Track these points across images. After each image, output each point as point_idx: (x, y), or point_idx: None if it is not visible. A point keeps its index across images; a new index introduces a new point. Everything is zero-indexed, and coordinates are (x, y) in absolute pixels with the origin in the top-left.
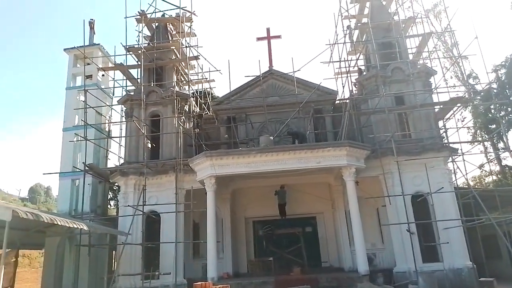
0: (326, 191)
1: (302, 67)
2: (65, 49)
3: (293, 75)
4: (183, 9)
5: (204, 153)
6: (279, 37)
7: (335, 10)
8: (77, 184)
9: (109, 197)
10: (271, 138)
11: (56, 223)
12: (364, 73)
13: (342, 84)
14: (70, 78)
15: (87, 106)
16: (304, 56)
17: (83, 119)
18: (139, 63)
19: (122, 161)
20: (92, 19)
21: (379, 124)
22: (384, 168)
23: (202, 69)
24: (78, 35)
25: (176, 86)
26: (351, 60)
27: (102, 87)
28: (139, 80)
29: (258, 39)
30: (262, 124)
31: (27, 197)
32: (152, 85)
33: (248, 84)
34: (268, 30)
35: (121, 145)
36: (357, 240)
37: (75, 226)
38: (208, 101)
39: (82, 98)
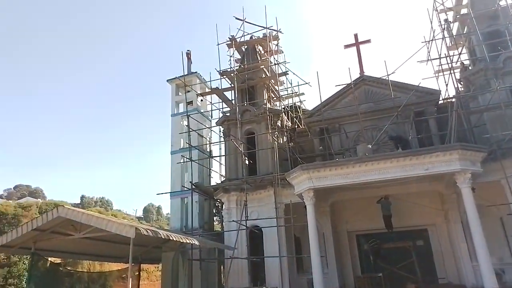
0: (437, 200)
1: (397, 69)
2: (167, 80)
3: (387, 78)
4: (270, 29)
5: (300, 166)
6: (368, 41)
7: (428, 5)
8: (186, 202)
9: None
10: (369, 146)
11: (171, 238)
12: (470, 67)
13: (445, 82)
14: (174, 105)
15: (190, 130)
16: (396, 58)
17: (187, 142)
18: (232, 85)
19: (223, 178)
20: (189, 50)
21: (495, 122)
22: (507, 171)
23: (291, 83)
24: (177, 65)
25: (267, 103)
26: (452, 55)
27: (202, 111)
28: (233, 101)
29: (346, 46)
30: (357, 133)
31: (142, 216)
32: (245, 104)
33: (339, 93)
34: (356, 36)
35: (221, 164)
36: (480, 254)
37: (188, 242)
38: (300, 114)
39: (185, 122)
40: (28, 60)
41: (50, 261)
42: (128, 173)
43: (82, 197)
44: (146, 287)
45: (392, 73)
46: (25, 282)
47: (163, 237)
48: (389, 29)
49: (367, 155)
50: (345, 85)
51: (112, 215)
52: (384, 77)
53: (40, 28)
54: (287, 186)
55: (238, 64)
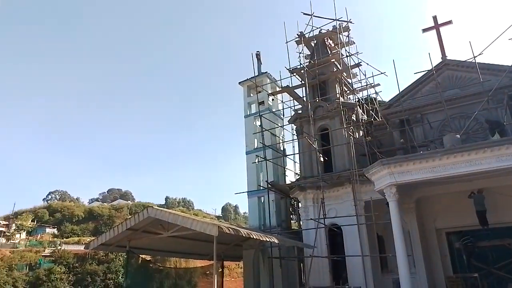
0: None
1: (485, 49)
2: (239, 82)
3: (474, 60)
4: (339, 20)
5: (380, 161)
6: (449, 23)
7: None
8: (262, 201)
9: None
10: (457, 136)
11: (251, 236)
12: None
13: None
14: (246, 107)
15: (263, 130)
16: (481, 39)
17: (261, 142)
18: (303, 82)
19: (298, 176)
20: (258, 51)
21: None
22: None
23: (365, 75)
24: (248, 67)
25: (341, 97)
26: None
27: (274, 110)
28: (305, 98)
29: (425, 30)
30: (442, 122)
31: (220, 215)
32: (317, 100)
33: (419, 81)
34: (435, 18)
35: (295, 162)
36: None
37: (267, 240)
38: (376, 106)
39: (258, 123)
40: (108, 67)
41: (142, 258)
42: (207, 174)
43: (166, 198)
44: (228, 284)
45: (480, 54)
46: (122, 277)
47: (244, 235)
48: (471, 8)
49: (456, 145)
50: (425, 72)
51: (193, 214)
52: (470, 60)
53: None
54: (366, 183)
55: (308, 60)
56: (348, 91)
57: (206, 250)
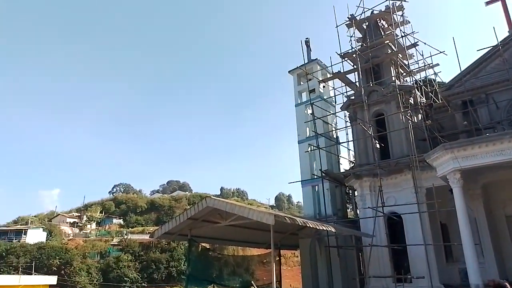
0: None
1: None
2: (289, 71)
3: None
4: (392, 0)
5: (442, 145)
6: None
7: None
8: (317, 190)
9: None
10: None
11: (308, 225)
12: None
13: None
14: (297, 95)
15: (315, 118)
16: None
17: (313, 130)
18: (355, 66)
19: (353, 164)
20: (307, 38)
21: None
22: None
23: (422, 55)
24: (297, 55)
25: (396, 80)
26: None
27: (325, 97)
28: (357, 83)
29: (488, 2)
30: (510, 102)
31: (274, 205)
32: (371, 85)
33: (482, 59)
34: None
35: (349, 149)
36: None
37: (324, 229)
38: (435, 88)
39: (310, 111)
40: (160, 60)
41: (202, 246)
42: (259, 164)
43: (222, 189)
44: (285, 272)
45: None
46: (184, 265)
47: (300, 224)
48: None
49: None
50: (490, 48)
51: (248, 204)
52: None
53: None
54: (427, 169)
55: (360, 44)
56: (404, 73)
57: (263, 238)
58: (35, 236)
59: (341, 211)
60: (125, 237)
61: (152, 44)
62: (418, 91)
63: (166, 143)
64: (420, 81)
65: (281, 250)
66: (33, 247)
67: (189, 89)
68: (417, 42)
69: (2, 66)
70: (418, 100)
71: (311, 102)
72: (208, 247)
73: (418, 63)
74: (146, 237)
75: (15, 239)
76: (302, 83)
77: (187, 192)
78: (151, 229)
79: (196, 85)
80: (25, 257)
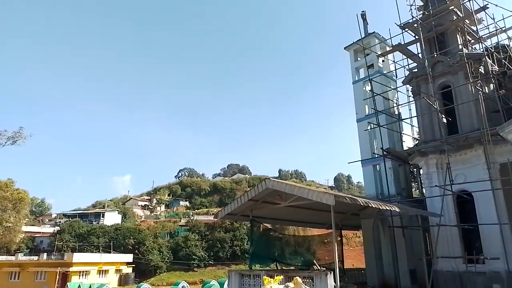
0: None
1: None
2: (345, 47)
3: None
4: None
5: None
6: None
7: None
8: (378, 169)
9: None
10: None
11: (370, 205)
12: None
13: None
14: (354, 72)
15: (374, 94)
16: None
17: (372, 108)
18: (417, 37)
19: (417, 141)
20: (363, 11)
21: None
22: None
23: (493, 18)
24: (353, 30)
25: (464, 48)
26: None
27: (385, 72)
28: (420, 55)
29: None
30: None
31: (333, 186)
32: (435, 55)
33: None
34: None
35: (413, 126)
36: None
37: (387, 208)
38: (510, 53)
39: (368, 88)
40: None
41: (264, 226)
42: (317, 145)
43: (280, 171)
44: (347, 253)
45: None
46: (247, 244)
47: (361, 204)
48: None
49: None
50: None
51: (307, 185)
52: None
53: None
54: (500, 143)
55: (421, 12)
56: (472, 41)
57: (323, 219)
58: (111, 218)
59: (405, 191)
60: (192, 218)
61: (209, 30)
62: (489, 58)
63: (226, 128)
64: (491, 47)
65: (342, 231)
66: (110, 228)
67: (246, 75)
68: (487, 4)
69: (82, 71)
70: (490, 69)
71: (370, 78)
72: (269, 227)
73: (488, 28)
74: (211, 218)
75: (95, 221)
76: (359, 59)
77: (246, 175)
78: (214, 210)
79: (253, 70)
80: (104, 237)
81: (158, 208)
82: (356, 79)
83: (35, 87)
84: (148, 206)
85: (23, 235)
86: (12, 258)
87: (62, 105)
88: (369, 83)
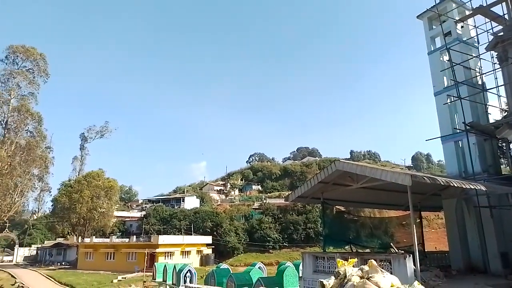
0: None
1: None
2: (417, 16)
3: None
4: None
5: None
6: None
7: None
8: (460, 146)
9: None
10: None
11: (451, 185)
12: None
13: None
14: (429, 42)
15: (453, 64)
16: None
17: (452, 79)
18: None
19: (505, 113)
20: None
21: None
22: None
23: None
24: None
25: None
26: None
27: (464, 39)
28: (506, 16)
29: None
30: None
31: (411, 165)
32: None
33: None
34: None
35: (500, 96)
36: None
37: (471, 187)
38: None
39: (446, 58)
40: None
41: (336, 208)
42: (391, 123)
43: (351, 152)
44: (428, 235)
45: None
46: (320, 227)
47: (442, 183)
48: None
49: None
50: None
51: (381, 166)
52: None
53: None
54: None
55: None
56: None
57: (400, 200)
58: (191, 202)
59: (492, 167)
60: (264, 201)
61: (270, 14)
62: None
63: (294, 112)
64: None
65: (422, 212)
66: (190, 212)
67: (310, 56)
68: None
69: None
70: None
71: (448, 47)
72: (343, 209)
73: None
74: (282, 201)
75: (176, 206)
76: (434, 27)
77: (316, 158)
78: (286, 194)
79: (316, 50)
80: (184, 220)
81: (232, 192)
82: (432, 49)
83: (121, 89)
84: (223, 190)
85: (115, 219)
86: (107, 240)
87: (144, 104)
88: (447, 53)
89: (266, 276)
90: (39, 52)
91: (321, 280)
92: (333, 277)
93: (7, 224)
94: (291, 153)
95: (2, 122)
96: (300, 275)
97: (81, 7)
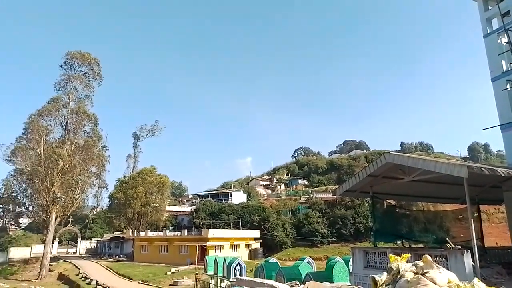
0: None
1: None
2: None
3: None
4: None
5: None
6: None
7: None
8: None
9: None
10: None
11: None
12: None
13: None
14: (485, 24)
15: None
16: None
17: (511, 62)
18: None
19: None
20: None
21: None
22: None
23: None
24: None
25: None
26: None
27: None
28: None
29: None
30: None
31: (467, 156)
32: None
33: None
34: None
35: None
36: None
37: None
38: None
39: (504, 40)
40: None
41: (387, 203)
42: (444, 112)
43: (402, 144)
44: (488, 230)
45: None
46: (370, 222)
47: (502, 174)
48: None
49: None
50: None
51: (434, 158)
52: None
53: None
54: None
55: None
56: None
57: (456, 193)
58: (238, 197)
59: None
60: (311, 195)
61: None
62: None
63: (339, 104)
64: None
65: (480, 205)
66: (237, 207)
67: (353, 44)
68: None
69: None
70: None
71: (506, 28)
72: (394, 203)
73: None
74: (329, 195)
75: (224, 200)
76: (490, 7)
77: (364, 151)
78: (333, 188)
79: (361, 38)
80: (232, 215)
81: (278, 187)
82: (488, 32)
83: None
84: (269, 185)
85: (167, 214)
86: (161, 234)
87: (190, 102)
88: (506, 34)
89: (315, 270)
90: (93, 57)
91: (372, 275)
92: (385, 273)
93: (71, 219)
94: (337, 147)
95: (62, 124)
96: (350, 270)
97: (129, 7)
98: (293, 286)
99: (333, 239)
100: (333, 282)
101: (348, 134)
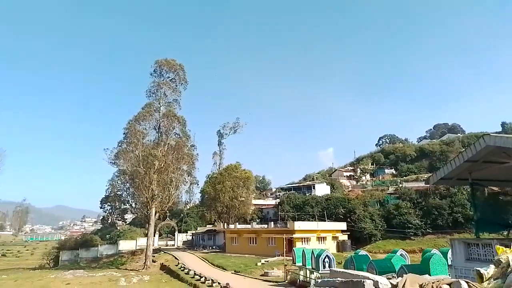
0: None
1: None
2: None
3: None
4: None
5: None
6: None
7: None
8: None
9: None
10: None
11: None
12: None
13: None
14: None
15: None
16: None
17: None
18: None
19: None
20: None
21: None
22: None
23: None
24: None
25: None
26: None
27: None
28: None
29: None
30: None
31: None
32: None
33: None
34: None
35: None
36: None
37: None
38: None
39: None
40: None
41: (489, 189)
42: None
43: (503, 124)
44: None
45: None
46: (470, 210)
47: None
48: None
49: None
50: None
51: None
52: None
53: None
54: None
55: None
56: None
57: None
58: (321, 189)
59: None
60: (400, 185)
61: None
62: None
63: (426, 85)
64: None
65: None
66: (321, 199)
67: (444, 18)
68: None
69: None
70: None
71: None
72: (497, 190)
73: None
74: (421, 184)
75: (307, 193)
76: None
77: (458, 134)
78: (424, 176)
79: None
80: (316, 207)
81: (363, 178)
82: None
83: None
84: (353, 176)
85: (253, 207)
86: (249, 226)
87: (271, 98)
88: None
89: (409, 263)
90: (178, 63)
91: (477, 268)
92: (492, 266)
93: (168, 214)
94: (427, 132)
95: (155, 127)
96: (449, 263)
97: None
98: (390, 278)
99: (428, 230)
100: (430, 276)
101: (438, 118)
